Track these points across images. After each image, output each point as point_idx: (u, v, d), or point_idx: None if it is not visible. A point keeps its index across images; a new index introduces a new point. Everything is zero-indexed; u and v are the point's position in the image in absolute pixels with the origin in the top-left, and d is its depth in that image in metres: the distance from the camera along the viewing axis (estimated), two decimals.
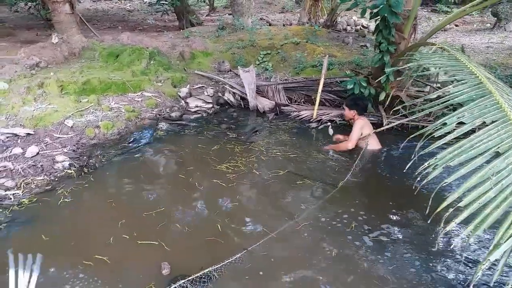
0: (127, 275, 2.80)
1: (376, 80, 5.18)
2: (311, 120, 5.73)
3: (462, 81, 2.87)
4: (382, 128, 4.44)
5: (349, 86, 5.26)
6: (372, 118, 5.63)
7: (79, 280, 2.72)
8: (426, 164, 2.29)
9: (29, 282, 1.80)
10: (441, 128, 2.54)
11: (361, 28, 11.54)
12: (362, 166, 4.41)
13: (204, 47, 8.57)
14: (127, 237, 3.22)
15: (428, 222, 2.40)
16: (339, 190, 3.93)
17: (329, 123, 5.56)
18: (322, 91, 5.51)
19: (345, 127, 5.39)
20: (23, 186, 3.93)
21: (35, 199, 3.75)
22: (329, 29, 10.09)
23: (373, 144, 4.83)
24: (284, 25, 11.56)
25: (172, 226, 3.37)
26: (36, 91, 5.87)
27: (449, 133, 2.49)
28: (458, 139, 2.38)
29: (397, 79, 5.52)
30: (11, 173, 4.11)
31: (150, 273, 2.81)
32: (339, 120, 5.68)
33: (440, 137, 2.47)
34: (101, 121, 5.45)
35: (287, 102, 6.33)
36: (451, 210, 2.04)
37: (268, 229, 3.29)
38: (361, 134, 4.74)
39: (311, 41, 8.29)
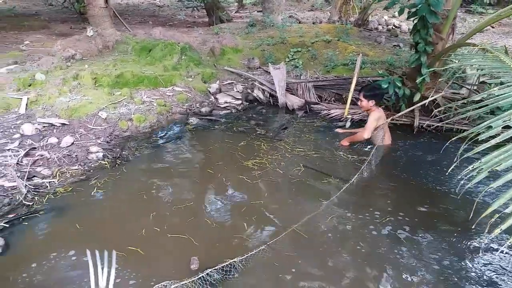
0: (158, 268, 2.82)
1: (413, 81, 5.06)
2: (342, 119, 5.66)
3: (508, 84, 2.75)
4: (397, 115, 4.34)
5: (384, 86, 5.16)
6: (405, 119, 5.52)
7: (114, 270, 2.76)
8: (470, 167, 2.21)
9: (108, 277, 1.84)
10: (484, 132, 2.45)
11: (393, 27, 11.32)
12: (389, 163, 4.34)
13: (234, 43, 8.59)
14: (158, 229, 3.25)
15: (473, 227, 2.32)
16: (362, 186, 3.93)
17: (349, 117, 5.49)
18: (354, 90, 5.42)
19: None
20: (58, 175, 4.03)
21: (70, 188, 3.83)
22: (360, 28, 9.95)
23: (386, 139, 4.79)
24: (314, 23, 11.46)
25: (200, 221, 3.38)
26: (71, 82, 6.01)
27: (493, 136, 2.39)
28: (503, 143, 2.29)
29: (435, 80, 5.37)
30: (47, 162, 4.21)
31: (180, 267, 2.81)
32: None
33: (482, 141, 2.38)
34: (133, 114, 5.53)
35: (317, 100, 6.27)
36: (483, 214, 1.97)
37: (291, 226, 3.26)
38: (376, 125, 4.67)
39: (342, 39, 8.19)
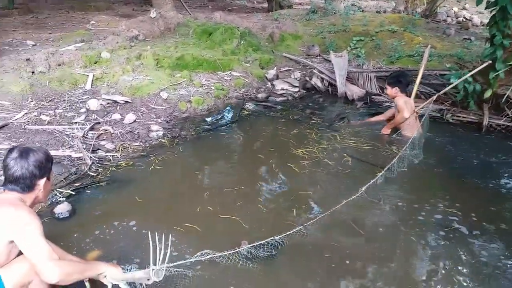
0: (212, 247, 2.85)
1: (485, 76, 4.75)
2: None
3: None
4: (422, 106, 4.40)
5: (452, 80, 4.88)
6: (473, 117, 5.20)
7: (170, 243, 2.83)
8: None
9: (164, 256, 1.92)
10: None
11: (464, 20, 10.68)
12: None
13: (294, 29, 8.48)
14: (211, 209, 3.29)
15: None
16: (417, 181, 3.86)
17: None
18: (420, 83, 5.17)
19: None
20: (121, 149, 4.18)
21: (131, 163, 3.97)
22: (428, 19, 9.49)
23: (414, 129, 4.61)
24: (378, 12, 11.07)
25: (249, 204, 3.38)
26: (134, 62, 6.20)
27: None
28: None
29: (510, 76, 4.99)
30: (111, 137, 4.39)
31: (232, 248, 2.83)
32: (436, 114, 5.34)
33: None
34: (192, 96, 5.62)
35: (378, 92, 6.05)
36: None
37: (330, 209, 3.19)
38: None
39: (409, 30, 7.85)
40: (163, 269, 2.01)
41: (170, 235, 2.18)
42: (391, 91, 4.74)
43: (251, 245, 2.48)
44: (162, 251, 2.02)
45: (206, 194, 3.51)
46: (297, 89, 6.54)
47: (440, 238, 3.02)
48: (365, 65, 6.75)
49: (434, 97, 4.72)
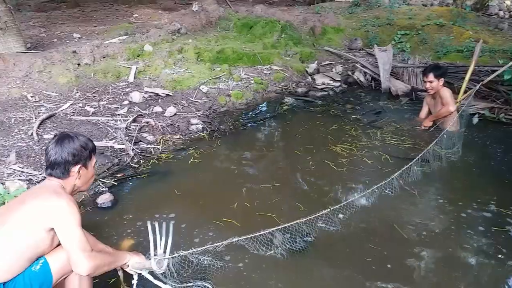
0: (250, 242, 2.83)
1: None
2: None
3: None
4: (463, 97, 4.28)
5: (506, 77, 4.60)
6: None
7: (208, 237, 2.84)
8: None
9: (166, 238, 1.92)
10: None
11: None
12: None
13: (336, 23, 8.30)
14: (248, 205, 3.26)
15: None
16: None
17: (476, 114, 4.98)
18: (469, 80, 4.91)
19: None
20: (162, 142, 4.24)
21: (171, 155, 4.01)
22: (479, 12, 9.02)
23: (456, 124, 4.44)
24: (424, 5, 10.64)
25: (286, 202, 3.32)
26: (176, 55, 6.27)
27: None
28: None
29: None
30: (152, 129, 4.45)
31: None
32: (486, 112, 5.05)
33: None
34: (231, 90, 5.62)
35: (424, 88, 5.80)
36: None
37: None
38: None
39: (458, 23, 7.48)
40: (164, 259, 2.01)
41: (171, 225, 2.15)
42: (437, 84, 4.49)
43: (282, 226, 2.43)
44: (163, 241, 2.02)
45: (243, 189, 3.48)
46: (338, 84, 6.40)
47: (489, 239, 2.84)
48: (410, 60, 6.49)
49: (476, 88, 4.55)
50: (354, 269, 2.59)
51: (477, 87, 4.58)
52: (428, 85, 4.54)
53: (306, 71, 6.72)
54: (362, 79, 6.31)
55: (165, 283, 2.12)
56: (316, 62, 6.97)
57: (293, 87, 6.25)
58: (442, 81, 4.49)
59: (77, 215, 1.83)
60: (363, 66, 6.38)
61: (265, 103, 5.68)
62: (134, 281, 2.12)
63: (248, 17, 8.11)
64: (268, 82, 6.17)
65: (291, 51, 7.12)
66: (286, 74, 6.48)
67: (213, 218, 3.02)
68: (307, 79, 6.58)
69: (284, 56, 6.98)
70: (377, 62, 6.20)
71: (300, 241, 2.72)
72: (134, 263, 2.05)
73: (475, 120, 4.77)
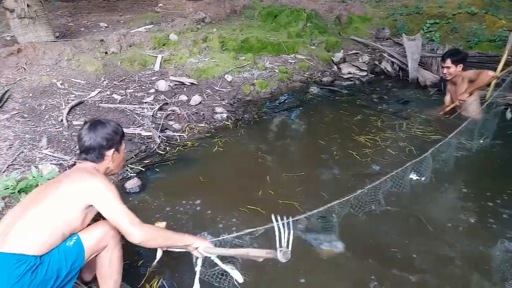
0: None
1: None
2: (483, 101, 5.01)
3: None
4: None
5: None
6: None
7: (232, 223, 2.86)
8: None
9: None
10: None
11: None
12: None
13: (363, 12, 8.14)
14: (272, 192, 3.26)
15: None
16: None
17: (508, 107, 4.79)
18: (501, 70, 4.73)
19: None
20: (187, 130, 4.27)
21: (196, 143, 4.05)
22: None
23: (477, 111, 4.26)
24: None
25: (309, 191, 3.29)
26: (200, 44, 6.28)
27: None
28: None
29: None
30: (178, 117, 4.49)
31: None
32: None
33: None
34: (256, 79, 5.60)
35: (442, 73, 5.65)
36: None
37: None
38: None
39: (491, 12, 7.21)
40: (288, 251, 1.99)
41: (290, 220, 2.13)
42: (455, 70, 4.37)
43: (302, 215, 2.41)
44: (287, 235, 2.00)
45: (267, 178, 3.47)
46: (365, 73, 6.30)
47: None
48: (439, 50, 6.31)
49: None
50: (379, 258, 2.57)
51: None
52: (445, 70, 4.43)
53: (332, 60, 6.63)
54: (389, 68, 6.19)
55: (233, 269, 2.13)
56: (342, 51, 6.87)
57: (318, 77, 6.19)
58: (460, 67, 4.36)
59: (116, 191, 1.91)
60: (390, 55, 6.25)
61: (289, 92, 5.64)
62: (198, 268, 2.11)
63: (273, 6, 8.04)
64: (293, 71, 6.13)
65: (317, 40, 7.03)
66: (311, 63, 6.41)
67: (238, 205, 3.04)
68: (333, 69, 6.49)
69: (309, 45, 6.90)
70: (405, 52, 6.06)
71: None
72: (206, 247, 2.04)
73: (509, 115, 4.58)
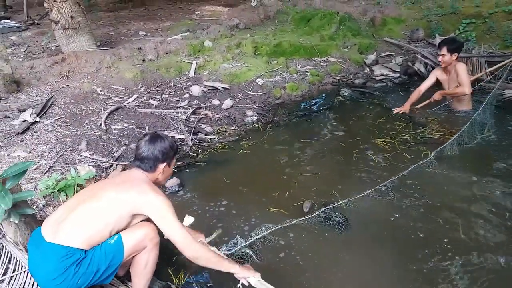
0: (300, 230, 2.90)
1: None
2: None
3: None
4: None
5: None
6: None
7: (254, 225, 2.96)
8: None
9: None
10: None
11: None
12: None
13: (397, 13, 8.05)
14: (293, 194, 3.35)
15: None
16: None
17: None
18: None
19: None
20: (218, 133, 4.43)
21: (227, 146, 4.20)
22: None
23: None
24: None
25: (326, 193, 3.33)
26: (234, 50, 6.45)
27: None
28: None
29: None
30: (210, 121, 4.67)
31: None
32: None
33: None
34: (287, 82, 5.69)
35: (490, 78, 5.50)
36: None
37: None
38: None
39: None
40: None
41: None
42: (449, 58, 4.43)
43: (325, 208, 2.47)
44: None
45: (293, 179, 3.54)
46: (397, 75, 6.25)
47: None
48: (475, 50, 6.15)
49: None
50: (397, 249, 2.66)
51: None
52: (440, 58, 4.52)
53: (364, 62, 6.62)
54: (422, 69, 6.10)
55: None
56: (375, 53, 6.84)
57: (350, 79, 6.19)
58: (455, 56, 4.43)
59: (172, 208, 2.05)
60: (424, 56, 6.16)
61: (320, 95, 5.69)
62: None
63: (306, 10, 8.11)
64: (324, 74, 6.17)
65: (349, 43, 7.03)
66: (344, 66, 6.42)
67: (265, 206, 3.15)
68: (365, 70, 6.47)
69: (342, 48, 6.91)
70: None
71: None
72: (256, 281, 2.14)
73: None
